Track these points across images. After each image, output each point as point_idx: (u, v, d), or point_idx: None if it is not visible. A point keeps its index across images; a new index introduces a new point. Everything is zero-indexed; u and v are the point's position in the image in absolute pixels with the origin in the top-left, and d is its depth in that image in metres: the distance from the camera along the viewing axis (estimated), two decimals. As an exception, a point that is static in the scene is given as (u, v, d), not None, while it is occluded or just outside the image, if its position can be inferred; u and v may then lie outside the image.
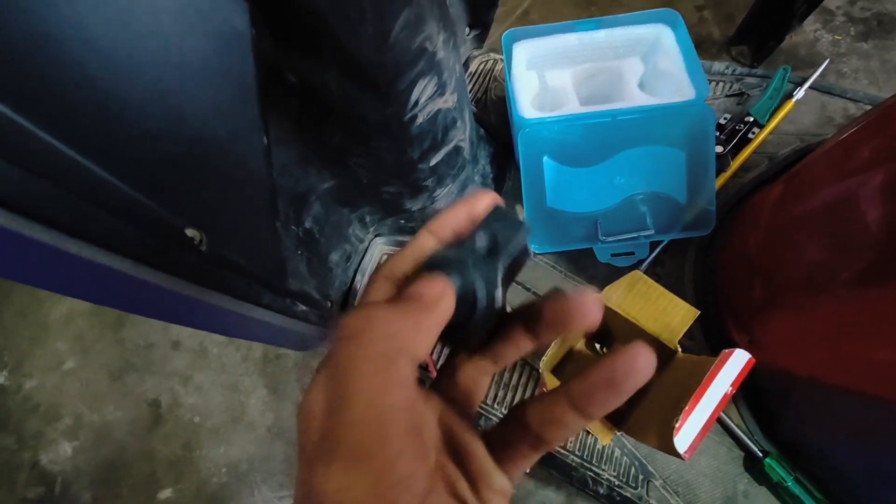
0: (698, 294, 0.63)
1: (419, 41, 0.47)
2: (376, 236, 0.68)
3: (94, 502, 0.89)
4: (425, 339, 0.16)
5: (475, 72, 0.80)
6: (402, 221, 0.67)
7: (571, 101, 0.64)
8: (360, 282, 0.67)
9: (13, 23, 0.23)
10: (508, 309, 0.20)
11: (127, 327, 1.01)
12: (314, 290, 0.57)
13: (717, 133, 0.70)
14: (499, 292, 0.18)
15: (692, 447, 0.36)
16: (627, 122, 0.61)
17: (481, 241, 0.19)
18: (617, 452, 0.58)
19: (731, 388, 0.37)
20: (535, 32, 0.66)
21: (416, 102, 0.51)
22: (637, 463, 0.57)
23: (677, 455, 0.35)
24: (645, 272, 0.66)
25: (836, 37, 1.02)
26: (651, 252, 0.66)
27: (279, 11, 0.39)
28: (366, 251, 0.67)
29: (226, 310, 0.37)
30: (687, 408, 0.35)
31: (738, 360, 0.38)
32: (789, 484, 0.51)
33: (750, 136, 0.69)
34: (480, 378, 0.21)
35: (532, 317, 0.19)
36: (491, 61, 0.81)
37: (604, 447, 0.57)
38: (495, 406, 0.63)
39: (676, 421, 0.35)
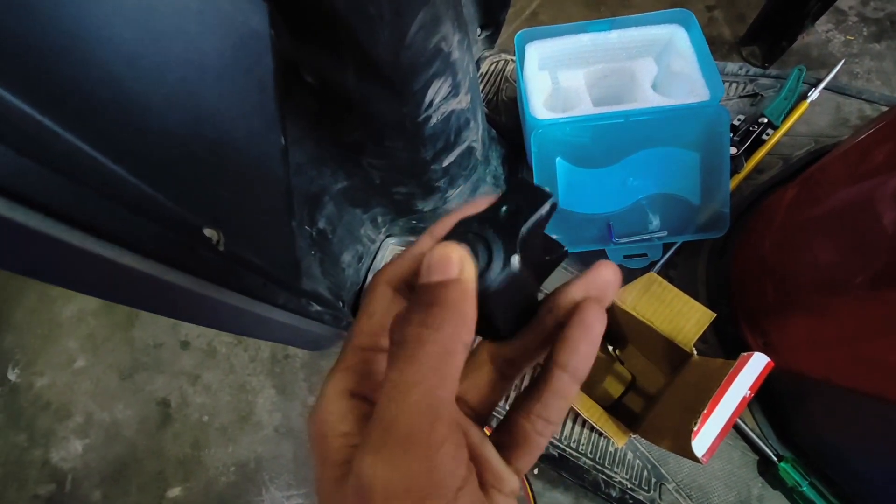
0: (712, 296, 0.63)
1: (435, 42, 0.47)
2: (388, 237, 0.68)
3: (104, 500, 0.90)
4: (470, 316, 0.16)
5: (486, 72, 0.80)
6: (414, 222, 0.67)
7: (584, 101, 0.64)
8: (372, 282, 0.67)
9: (39, 24, 0.23)
10: (540, 297, 0.19)
11: (137, 327, 1.01)
12: (326, 291, 0.57)
13: (731, 134, 0.69)
14: (515, 258, 0.17)
15: (710, 451, 0.35)
16: (641, 123, 0.61)
17: (501, 210, 0.18)
18: (630, 455, 0.57)
19: (749, 392, 0.37)
20: (547, 33, 0.66)
21: (431, 103, 0.51)
22: (650, 466, 0.57)
23: (694, 459, 0.35)
24: (658, 274, 0.66)
25: (849, 37, 1.01)
26: (664, 254, 0.66)
27: (298, 12, 0.39)
28: (377, 251, 0.67)
29: (242, 309, 0.37)
30: (705, 411, 0.35)
31: (756, 364, 0.37)
32: (804, 489, 0.50)
33: (764, 137, 0.68)
34: (501, 383, 0.21)
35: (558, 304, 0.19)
36: (502, 62, 0.81)
37: (616, 450, 0.57)
38: (506, 407, 0.63)
39: (695, 424, 0.34)
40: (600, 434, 0.52)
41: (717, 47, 1.06)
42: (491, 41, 0.81)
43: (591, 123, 0.62)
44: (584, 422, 0.42)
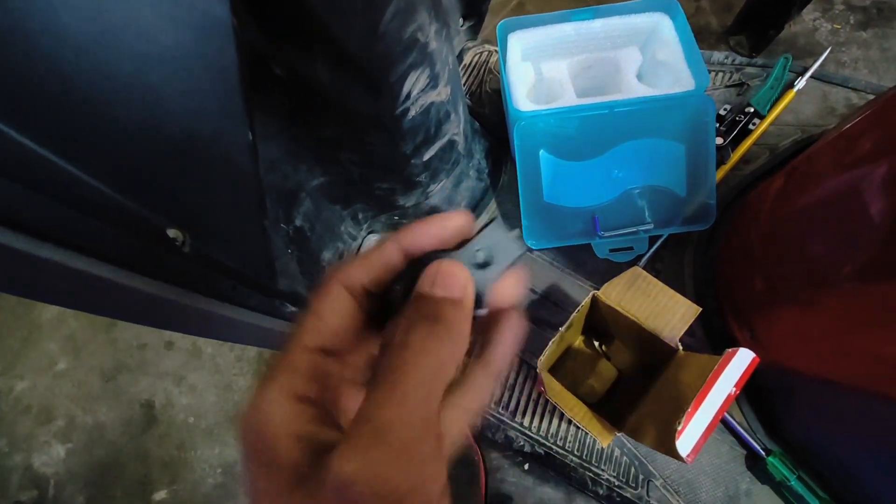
0: (698, 289, 0.62)
1: (410, 31, 0.45)
2: (369, 233, 0.67)
3: (88, 505, 0.88)
4: (465, 339, 0.16)
5: (469, 64, 0.78)
6: (396, 218, 0.65)
7: (568, 92, 0.62)
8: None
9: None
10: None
11: (119, 327, 0.99)
12: (306, 290, 0.56)
13: (717, 124, 0.68)
14: (484, 299, 0.19)
15: (695, 450, 0.35)
16: (625, 113, 0.60)
17: (478, 254, 0.19)
18: (616, 452, 0.57)
19: (734, 389, 0.36)
20: (530, 22, 0.64)
21: (409, 95, 0.49)
22: (637, 462, 0.56)
23: (679, 458, 0.34)
24: (644, 268, 0.65)
25: (836, 25, 1.00)
26: (650, 247, 0.65)
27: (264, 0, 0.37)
28: (359, 248, 0.66)
29: (210, 312, 0.36)
30: (689, 409, 0.34)
31: (742, 360, 0.36)
32: (793, 483, 0.50)
33: (750, 127, 0.68)
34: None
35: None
36: (486, 53, 0.79)
37: (603, 447, 0.56)
38: (500, 410, 0.62)
39: (679, 423, 0.33)
40: (586, 433, 0.51)
41: (704, 37, 1.05)
42: (474, 32, 0.79)
43: (574, 115, 0.60)
44: (570, 419, 0.41)
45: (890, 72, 0.96)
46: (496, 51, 0.82)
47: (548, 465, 0.59)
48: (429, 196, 0.62)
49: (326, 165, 0.54)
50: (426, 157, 0.57)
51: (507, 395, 0.61)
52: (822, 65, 0.70)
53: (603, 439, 0.39)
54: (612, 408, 0.52)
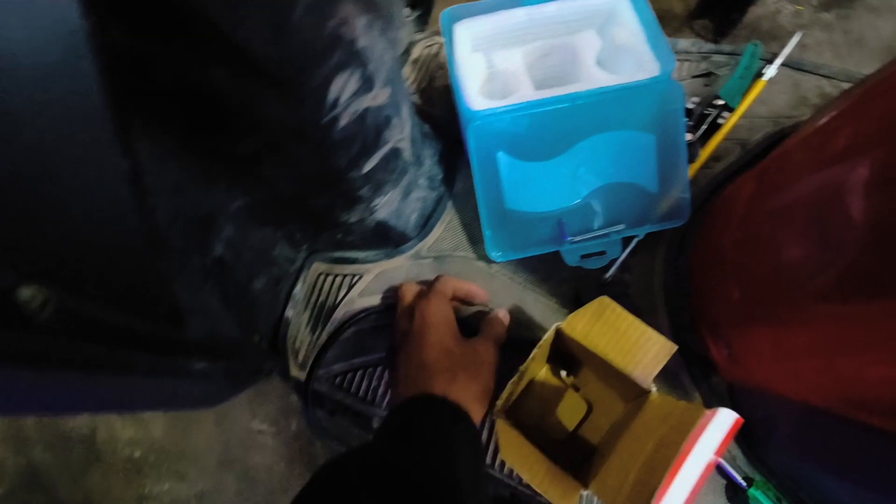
0: (671, 302, 0.57)
1: (331, 27, 0.38)
2: (311, 254, 0.60)
3: (23, 558, 0.80)
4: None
5: (418, 58, 0.71)
6: (340, 235, 0.59)
7: (524, 85, 0.56)
8: (293, 308, 0.58)
9: None
10: None
11: (48, 359, 0.90)
12: (235, 327, 0.49)
13: (686, 119, 0.63)
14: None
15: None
16: (588, 105, 0.54)
17: None
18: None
19: (714, 457, 0.31)
20: (477, 9, 0.57)
21: (336, 101, 0.42)
22: (611, 493, 0.51)
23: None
24: (614, 276, 0.60)
25: (798, 7, 0.97)
26: (623, 250, 0.60)
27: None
28: (299, 272, 0.59)
29: (79, 390, 0.29)
30: (660, 487, 0.29)
31: (722, 422, 0.32)
32: (776, 514, 0.46)
33: (720, 121, 0.63)
34: None
35: None
36: (436, 45, 0.72)
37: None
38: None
39: (653, 497, 0.28)
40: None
41: (668, 21, 1.00)
42: (422, 22, 0.72)
43: (532, 111, 0.54)
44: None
45: (853, 54, 0.94)
46: (447, 42, 0.75)
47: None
48: (374, 211, 0.55)
49: (248, 184, 0.47)
50: (366, 169, 0.50)
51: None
52: (790, 51, 0.66)
53: (566, 502, 0.34)
54: (583, 444, 0.47)
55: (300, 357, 0.60)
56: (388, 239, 0.63)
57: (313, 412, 0.59)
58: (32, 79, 0.26)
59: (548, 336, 0.42)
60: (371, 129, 0.48)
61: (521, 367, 0.41)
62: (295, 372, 0.60)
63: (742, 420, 0.33)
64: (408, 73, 0.71)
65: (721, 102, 0.63)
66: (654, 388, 0.38)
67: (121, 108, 0.31)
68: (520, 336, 0.55)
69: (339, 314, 0.60)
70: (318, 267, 0.61)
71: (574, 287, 0.61)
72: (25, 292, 0.26)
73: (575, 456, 0.43)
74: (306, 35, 0.37)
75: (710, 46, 0.69)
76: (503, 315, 0.54)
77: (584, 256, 0.61)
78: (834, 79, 0.65)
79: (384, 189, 0.55)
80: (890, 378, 0.37)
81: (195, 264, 0.44)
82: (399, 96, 0.53)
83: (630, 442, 0.36)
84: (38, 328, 0.26)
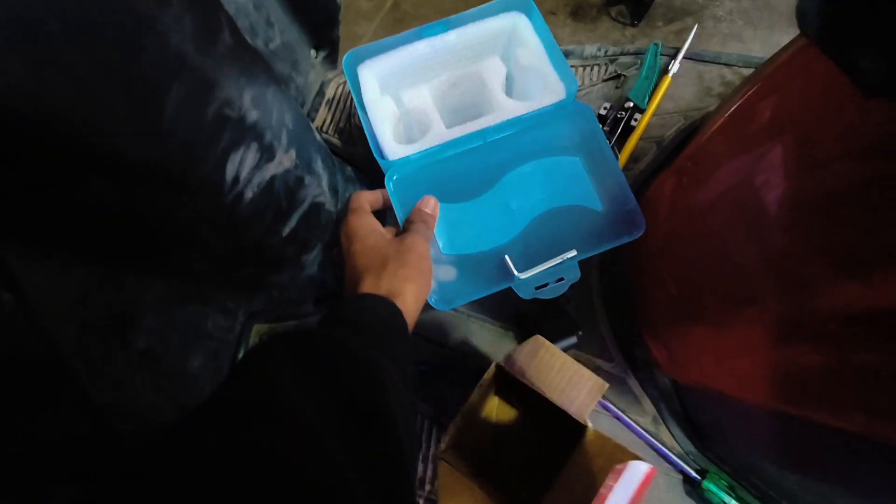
0: (610, 310, 0.59)
1: (212, 112, 0.37)
2: (248, 318, 0.58)
3: None
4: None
5: (332, 98, 0.70)
6: (276, 293, 0.57)
7: (435, 123, 0.56)
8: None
9: None
10: None
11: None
12: (175, 413, 0.48)
13: (601, 125, 0.64)
14: None
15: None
16: (501, 140, 0.54)
17: None
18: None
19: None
20: (378, 49, 0.56)
21: (237, 178, 0.41)
22: None
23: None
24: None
25: (705, -20, 0.99)
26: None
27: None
28: (239, 339, 0.57)
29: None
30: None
31: (633, 475, 0.33)
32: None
33: (633, 122, 0.64)
34: None
35: None
36: (350, 82, 0.71)
37: None
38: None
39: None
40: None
41: (585, 11, 1.02)
42: (331, 61, 0.71)
43: (446, 154, 0.54)
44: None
45: (764, 19, 0.96)
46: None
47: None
48: (305, 267, 0.54)
49: (162, 271, 0.45)
50: (285, 232, 0.49)
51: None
52: (694, 42, 0.67)
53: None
54: (536, 473, 0.48)
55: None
56: (327, 288, 0.62)
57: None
58: None
59: (488, 374, 0.43)
60: (282, 194, 0.47)
61: (462, 408, 0.41)
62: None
63: (655, 470, 0.34)
64: (324, 115, 0.70)
65: (631, 105, 0.65)
66: (590, 424, 0.39)
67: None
68: (467, 366, 0.55)
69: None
70: (259, 329, 0.60)
71: (515, 310, 0.61)
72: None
73: (530, 484, 0.44)
74: (187, 126, 0.36)
75: (615, 49, 0.70)
76: (427, 205, 0.50)
77: (539, 288, 0.55)
78: (734, 66, 0.67)
79: (311, 244, 0.54)
80: (818, 369, 0.38)
81: (119, 362, 0.42)
82: (309, 153, 0.52)
83: (570, 476, 0.37)
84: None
